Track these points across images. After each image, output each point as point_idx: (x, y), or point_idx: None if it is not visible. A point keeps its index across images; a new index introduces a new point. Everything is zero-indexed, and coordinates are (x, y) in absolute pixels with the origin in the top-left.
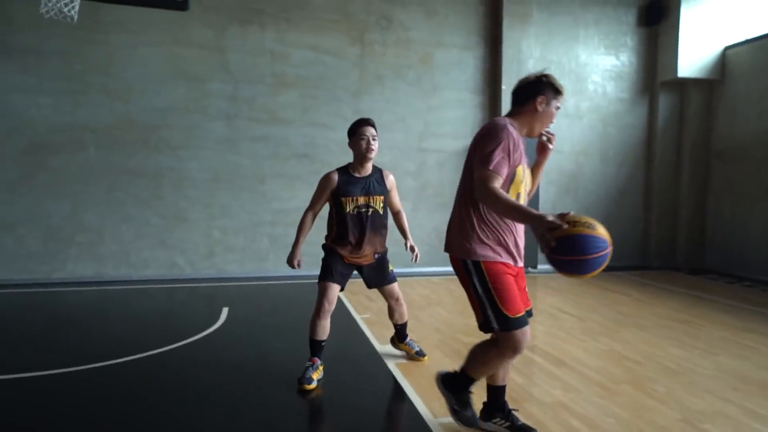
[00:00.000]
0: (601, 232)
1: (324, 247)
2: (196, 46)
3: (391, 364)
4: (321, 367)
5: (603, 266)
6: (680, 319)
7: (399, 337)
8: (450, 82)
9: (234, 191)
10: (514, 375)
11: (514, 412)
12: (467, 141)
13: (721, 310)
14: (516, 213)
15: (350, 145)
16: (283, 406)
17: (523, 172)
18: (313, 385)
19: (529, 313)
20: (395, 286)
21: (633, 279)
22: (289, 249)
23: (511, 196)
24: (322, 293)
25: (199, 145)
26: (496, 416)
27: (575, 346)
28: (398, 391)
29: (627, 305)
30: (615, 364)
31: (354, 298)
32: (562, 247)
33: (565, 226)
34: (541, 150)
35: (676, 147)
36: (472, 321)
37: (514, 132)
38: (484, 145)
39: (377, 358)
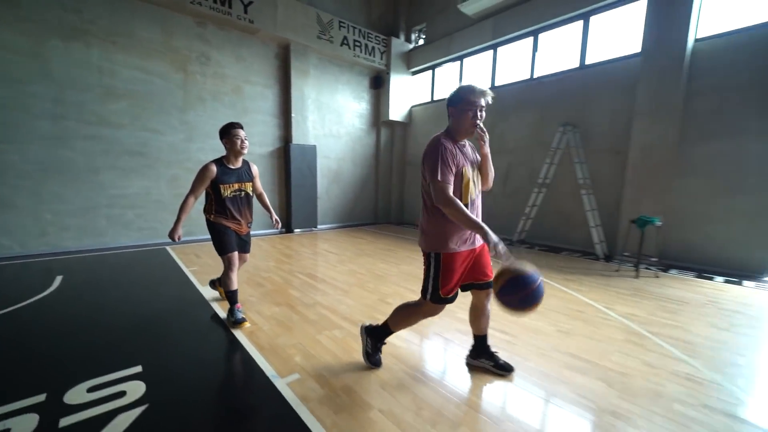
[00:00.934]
0: (530, 269)
1: (211, 223)
2: (9, 51)
3: (216, 305)
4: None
5: (542, 297)
6: (386, 248)
7: (230, 303)
8: (256, 107)
9: (66, 181)
10: (291, 289)
11: (495, 353)
12: (269, 148)
13: (406, 241)
14: (466, 222)
15: (224, 142)
16: (123, 344)
17: (470, 170)
18: (246, 322)
19: (489, 284)
20: (247, 256)
21: (368, 229)
22: (127, 226)
23: (465, 195)
24: (229, 262)
25: (22, 140)
26: (482, 356)
27: (330, 269)
28: (230, 337)
29: (363, 244)
30: (350, 276)
31: (185, 256)
32: (508, 287)
33: (501, 251)
34: (480, 145)
35: (389, 157)
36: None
37: (447, 143)
38: (428, 161)
39: (205, 303)
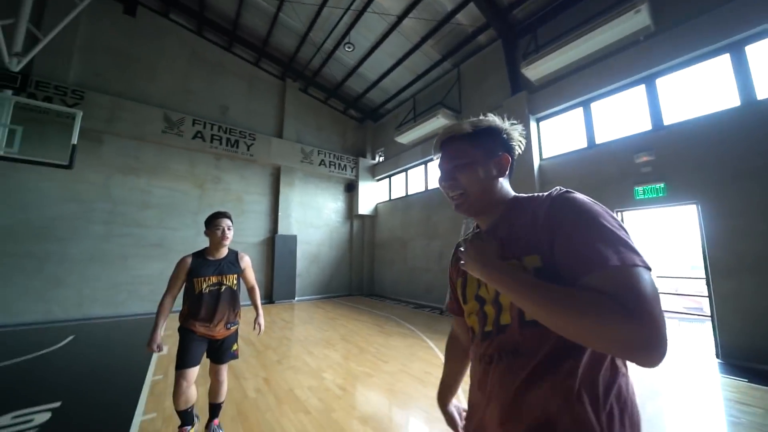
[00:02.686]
0: None
1: (179, 329)
2: (87, 183)
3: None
4: (192, 430)
5: None
6: (376, 315)
7: (209, 415)
8: (252, 209)
9: (103, 265)
10: None
11: None
12: (260, 238)
13: (364, 312)
14: None
15: (206, 233)
16: None
17: (462, 285)
18: None
19: None
20: (224, 367)
21: (348, 301)
22: (142, 299)
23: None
24: (179, 378)
25: (80, 238)
26: None
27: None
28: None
29: (367, 318)
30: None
31: None
32: None
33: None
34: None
35: (361, 242)
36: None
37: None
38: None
39: None
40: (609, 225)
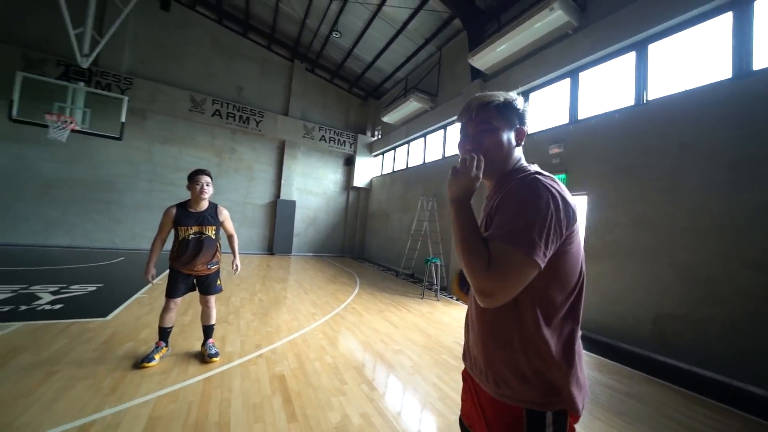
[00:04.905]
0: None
1: (169, 267)
2: (134, 149)
3: None
4: (164, 349)
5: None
6: (342, 270)
7: (204, 337)
8: (260, 177)
9: (148, 212)
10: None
11: None
12: (266, 201)
13: (336, 267)
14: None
15: (188, 187)
16: None
17: None
18: (153, 363)
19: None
20: (212, 297)
21: (334, 261)
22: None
23: None
24: (167, 303)
25: (131, 191)
26: None
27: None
28: None
29: (332, 271)
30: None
31: None
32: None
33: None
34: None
35: (356, 211)
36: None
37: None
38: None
39: None
40: (530, 210)
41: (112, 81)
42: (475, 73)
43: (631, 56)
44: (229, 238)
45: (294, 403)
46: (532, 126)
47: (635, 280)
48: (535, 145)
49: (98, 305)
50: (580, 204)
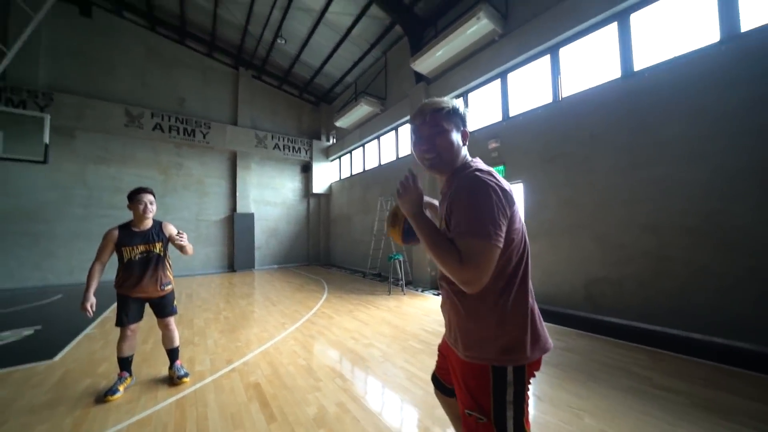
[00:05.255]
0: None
1: (117, 295)
2: (64, 172)
3: None
4: (129, 379)
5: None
6: (309, 279)
7: (170, 360)
8: (213, 192)
9: (87, 241)
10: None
11: None
12: (221, 216)
13: (302, 276)
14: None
15: (129, 207)
16: None
17: None
18: (117, 395)
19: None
20: (171, 320)
21: (300, 270)
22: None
23: None
24: (123, 332)
25: (64, 219)
26: None
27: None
28: None
29: (299, 281)
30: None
31: None
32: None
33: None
34: None
35: (318, 217)
36: None
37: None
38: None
39: None
40: (477, 205)
41: (27, 97)
42: (419, 76)
43: (547, 59)
44: (180, 249)
45: (271, 405)
46: (473, 124)
47: (567, 253)
48: (476, 142)
49: (41, 348)
50: (517, 191)
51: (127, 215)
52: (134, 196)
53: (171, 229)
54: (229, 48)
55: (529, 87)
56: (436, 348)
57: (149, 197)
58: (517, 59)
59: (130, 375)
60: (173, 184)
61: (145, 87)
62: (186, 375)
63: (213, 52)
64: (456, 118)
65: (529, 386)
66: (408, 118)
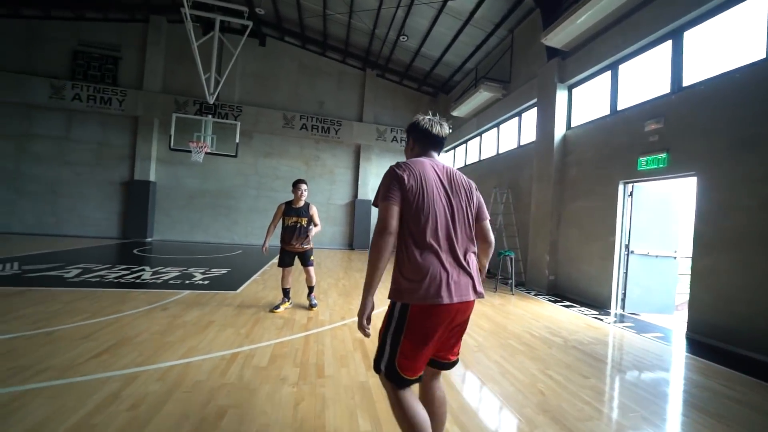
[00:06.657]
0: None
1: (279, 248)
2: (246, 164)
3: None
4: (287, 303)
5: None
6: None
7: (309, 292)
8: (340, 180)
9: (257, 215)
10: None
11: None
12: (345, 201)
13: None
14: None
15: (292, 191)
16: None
17: None
18: (279, 310)
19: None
20: (310, 268)
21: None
22: (276, 234)
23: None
24: (282, 273)
25: (244, 197)
26: None
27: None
28: None
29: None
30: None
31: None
32: None
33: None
34: None
35: None
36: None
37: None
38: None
39: None
40: (383, 185)
41: (228, 111)
42: (551, 52)
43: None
44: (315, 225)
45: (370, 357)
46: (626, 100)
47: (762, 276)
48: (627, 123)
49: (230, 282)
50: (685, 186)
51: (282, 197)
52: (296, 185)
53: (314, 210)
54: (358, 52)
55: (719, 45)
56: (540, 354)
57: (305, 186)
58: (700, 9)
59: (289, 299)
60: (312, 173)
61: (297, 95)
62: (315, 305)
63: (346, 58)
64: (408, 131)
65: (417, 331)
66: (536, 100)
